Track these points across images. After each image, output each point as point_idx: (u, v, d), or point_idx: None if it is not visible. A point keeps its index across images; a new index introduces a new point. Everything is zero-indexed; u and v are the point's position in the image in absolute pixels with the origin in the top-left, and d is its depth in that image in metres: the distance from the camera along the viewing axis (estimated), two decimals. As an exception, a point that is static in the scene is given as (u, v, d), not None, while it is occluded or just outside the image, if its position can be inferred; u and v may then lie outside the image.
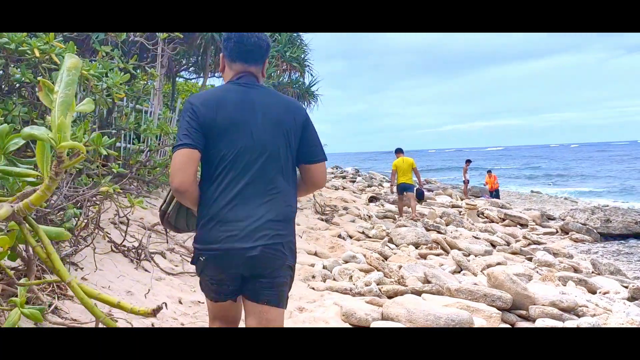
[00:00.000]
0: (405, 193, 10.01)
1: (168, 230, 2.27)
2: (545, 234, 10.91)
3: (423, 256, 6.45)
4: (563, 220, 11.83)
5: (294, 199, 1.78)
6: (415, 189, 10.22)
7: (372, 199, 13.33)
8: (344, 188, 16.43)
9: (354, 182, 20.15)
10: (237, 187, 1.66)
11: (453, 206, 13.41)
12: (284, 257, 1.69)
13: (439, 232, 8.54)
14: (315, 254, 5.87)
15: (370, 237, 7.43)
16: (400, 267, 5.08)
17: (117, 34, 5.04)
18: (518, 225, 11.47)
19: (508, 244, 8.50)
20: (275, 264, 1.67)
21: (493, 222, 11.75)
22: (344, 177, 21.97)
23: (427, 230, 8.56)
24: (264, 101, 1.74)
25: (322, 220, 8.25)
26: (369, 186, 18.01)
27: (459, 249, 7.22)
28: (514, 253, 7.77)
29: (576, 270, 7.02)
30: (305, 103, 10.86)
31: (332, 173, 25.17)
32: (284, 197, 1.71)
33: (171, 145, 5.80)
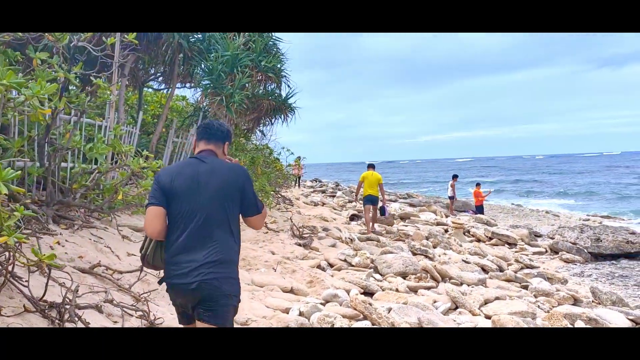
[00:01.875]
0: (372, 205, 9.92)
1: (145, 268, 2.58)
2: (534, 254, 10.42)
3: (413, 290, 5.76)
4: (552, 238, 11.38)
5: (232, 245, 2.26)
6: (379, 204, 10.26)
7: (353, 217, 12.65)
8: (323, 204, 15.72)
9: (334, 196, 19.47)
10: (183, 239, 2.21)
11: (438, 224, 12.84)
12: (219, 289, 2.16)
13: (426, 257, 7.89)
14: (292, 291, 5.12)
15: (353, 266, 6.71)
16: (389, 309, 4.37)
17: (57, 39, 4.26)
18: (506, 245, 10.95)
19: (500, 269, 7.91)
20: (214, 294, 2.16)
21: (480, 240, 11.20)
22: (323, 192, 21.27)
23: (414, 254, 7.91)
24: (211, 172, 2.26)
25: (299, 245, 7.50)
26: (350, 201, 17.33)
27: (450, 278, 6.58)
28: (508, 280, 7.16)
29: (576, 300, 6.47)
30: (282, 116, 10.12)
31: (312, 187, 24.44)
32: (221, 245, 2.22)
33: (126, 166, 5.06)
